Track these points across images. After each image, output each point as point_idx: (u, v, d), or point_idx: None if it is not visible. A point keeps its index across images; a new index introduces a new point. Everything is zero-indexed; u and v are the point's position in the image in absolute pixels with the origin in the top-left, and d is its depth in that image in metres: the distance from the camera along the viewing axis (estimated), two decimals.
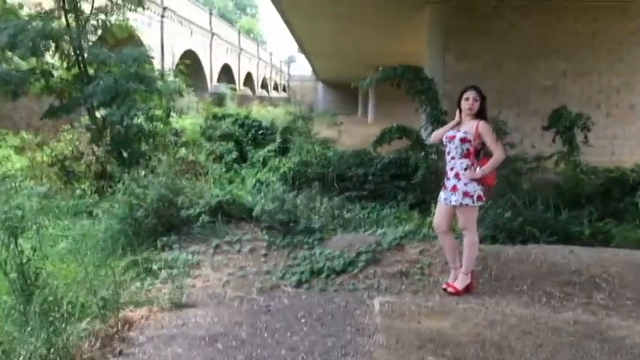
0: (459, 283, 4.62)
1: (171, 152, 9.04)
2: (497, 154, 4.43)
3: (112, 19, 9.35)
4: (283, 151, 13.85)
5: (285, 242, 5.86)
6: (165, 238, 5.84)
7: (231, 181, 12.70)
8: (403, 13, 17.27)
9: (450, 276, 4.74)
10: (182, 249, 5.72)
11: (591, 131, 10.18)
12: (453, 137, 4.53)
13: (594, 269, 4.99)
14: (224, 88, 32.54)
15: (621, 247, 6.26)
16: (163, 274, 5.08)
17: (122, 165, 8.26)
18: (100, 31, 9.05)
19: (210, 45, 33.20)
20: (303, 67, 60.82)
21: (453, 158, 4.57)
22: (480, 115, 4.51)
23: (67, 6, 8.72)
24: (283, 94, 59.58)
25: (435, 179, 11.18)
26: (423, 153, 12.02)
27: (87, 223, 6.36)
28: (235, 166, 13.41)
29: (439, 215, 4.69)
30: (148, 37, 22.84)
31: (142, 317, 4.09)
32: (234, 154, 13.66)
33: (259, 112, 33.24)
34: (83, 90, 8.22)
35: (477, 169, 4.47)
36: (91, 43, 8.85)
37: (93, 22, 8.95)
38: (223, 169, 13.39)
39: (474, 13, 15.37)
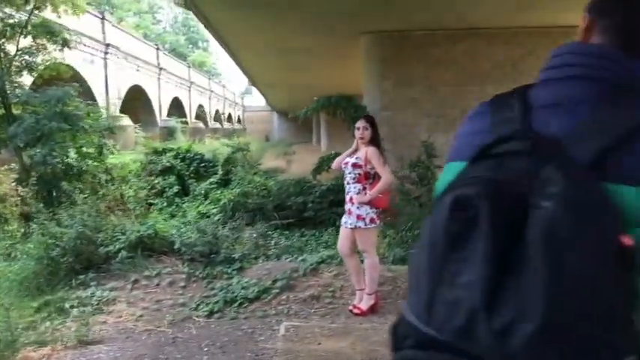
0: (364, 304, 4.78)
1: (100, 189, 9.02)
2: (385, 177, 4.63)
3: (39, 59, 9.34)
4: (225, 182, 13.90)
5: (204, 273, 5.93)
6: (82, 276, 5.84)
7: (172, 215, 12.69)
8: (340, 43, 17.67)
9: (356, 297, 4.89)
10: (99, 286, 5.72)
11: None
12: (347, 163, 4.74)
13: None
14: (174, 122, 32.42)
15: None
16: (75, 312, 5.08)
17: (50, 205, 8.21)
18: (25, 72, 9.03)
19: (159, 80, 33.17)
20: (258, 99, 61.16)
21: (348, 183, 4.77)
22: (373, 141, 4.73)
23: None
24: (238, 126, 59.72)
25: None
26: None
27: (2, 266, 6.30)
28: (177, 200, 13.40)
29: (341, 239, 4.87)
30: (90, 73, 22.74)
31: (44, 356, 4.10)
32: (176, 188, 13.66)
33: (211, 145, 33.36)
34: (7, 131, 8.20)
35: (367, 192, 4.67)
36: (17, 84, 8.83)
37: (17, 63, 8.92)
38: (165, 204, 13.37)
39: (408, 41, 15.88)
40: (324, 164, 12.63)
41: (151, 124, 32.01)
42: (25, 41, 9.21)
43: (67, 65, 20.83)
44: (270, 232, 10.26)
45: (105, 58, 24.49)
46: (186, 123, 35.22)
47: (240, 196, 12.22)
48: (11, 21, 9.02)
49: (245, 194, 12.34)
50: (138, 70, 29.36)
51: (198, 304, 5.20)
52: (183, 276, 5.91)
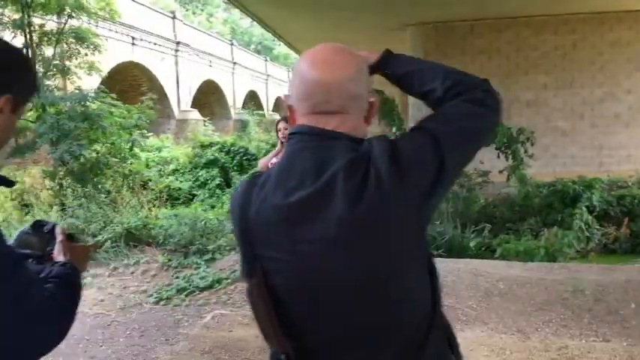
0: None
1: (124, 183, 9.74)
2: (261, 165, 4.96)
3: (74, 62, 10.19)
4: None
5: (176, 263, 6.39)
6: None
7: (212, 207, 13.37)
8: (388, 36, 17.67)
9: None
10: None
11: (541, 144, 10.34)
12: (274, 164, 4.98)
13: None
14: (247, 114, 33.47)
15: (504, 257, 6.52)
16: None
17: (78, 197, 8.99)
18: (59, 75, 9.90)
19: (232, 74, 34.37)
20: None
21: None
22: None
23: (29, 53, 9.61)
24: None
25: None
26: None
27: None
28: (218, 191, 14.08)
29: None
30: (161, 71, 23.99)
31: None
32: (218, 180, 14.35)
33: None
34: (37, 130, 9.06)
35: None
36: (53, 86, 9.68)
37: (52, 67, 9.79)
38: (206, 195, 14.08)
39: (452, 33, 15.69)
40: None
41: (225, 117, 33.30)
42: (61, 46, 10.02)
43: (137, 63, 22.24)
44: None
45: (176, 56, 25.71)
46: (262, 115, 36.24)
47: None
48: (47, 29, 9.86)
49: None
50: (210, 66, 30.56)
51: (155, 292, 5.64)
52: (157, 265, 6.40)
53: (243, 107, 36.58)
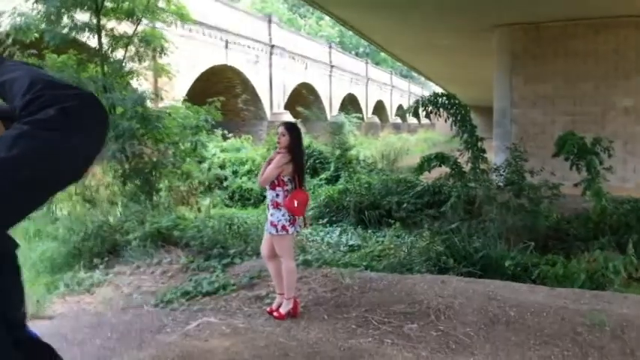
0: (283, 309, 4.81)
1: (182, 182, 9.94)
2: (259, 179, 4.84)
3: (143, 64, 10.58)
4: (336, 179, 14.24)
5: (195, 265, 6.37)
6: (97, 259, 6.63)
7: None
8: (475, 38, 16.88)
9: (275, 301, 4.94)
10: (106, 269, 6.46)
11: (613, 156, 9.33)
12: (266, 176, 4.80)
13: (439, 300, 4.87)
14: (342, 117, 33.47)
15: (542, 280, 5.92)
16: (62, 290, 5.84)
17: (137, 195, 9.30)
18: (129, 77, 10.32)
19: (330, 76, 34.52)
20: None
21: (266, 189, 4.84)
22: (290, 149, 4.73)
23: (101, 57, 10.09)
24: (426, 121, 59.33)
25: (467, 207, 10.95)
26: (459, 181, 11.70)
27: (44, 245, 7.35)
28: None
29: (263, 242, 4.95)
30: (254, 73, 24.53)
31: None
32: None
33: (384, 139, 33.85)
34: None
35: (280, 199, 4.69)
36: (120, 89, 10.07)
37: (123, 69, 10.22)
38: None
39: (543, 33, 14.69)
40: (424, 164, 12.27)
41: (320, 119, 33.47)
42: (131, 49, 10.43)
43: (230, 66, 22.85)
44: (345, 230, 10.45)
45: (270, 59, 26.20)
46: (360, 119, 36.11)
47: (338, 193, 12.44)
48: (117, 32, 10.29)
49: (344, 192, 12.51)
50: (306, 68, 30.86)
51: (162, 294, 5.64)
52: (178, 266, 6.41)
53: (341, 110, 36.58)
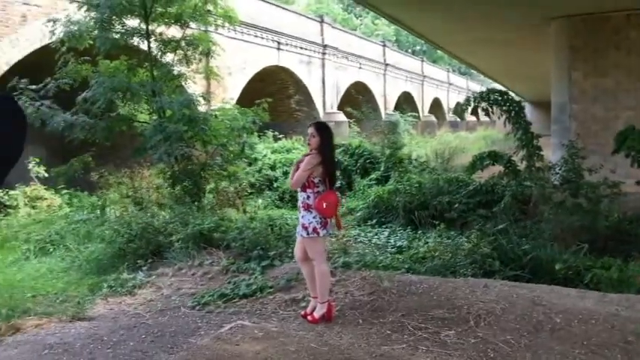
0: (317, 313, 4.71)
1: (230, 183, 10.01)
2: (290, 182, 4.80)
3: (193, 67, 10.71)
4: (386, 179, 14.03)
5: (236, 267, 6.35)
6: (141, 261, 6.72)
7: None
8: (530, 32, 16.28)
9: (310, 304, 4.84)
10: (149, 270, 6.54)
11: None
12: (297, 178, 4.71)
13: (480, 306, 4.66)
14: (397, 116, 33.14)
15: (595, 285, 5.59)
16: (104, 291, 5.94)
17: (184, 197, 9.41)
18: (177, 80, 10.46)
19: (384, 75, 34.22)
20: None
21: (297, 191, 4.76)
22: (320, 150, 4.62)
23: (150, 62, 10.27)
24: (486, 119, 58.09)
25: (522, 207, 10.57)
26: (513, 179, 11.31)
27: (92, 246, 7.51)
28: (339, 194, 13.91)
29: (296, 245, 4.86)
30: (306, 73, 24.58)
31: (35, 325, 4.97)
32: (339, 183, 14.22)
33: (441, 138, 33.33)
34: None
35: (312, 201, 4.59)
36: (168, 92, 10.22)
37: (173, 72, 10.38)
38: None
39: (603, 25, 14.00)
40: (477, 163, 11.92)
41: (374, 118, 33.22)
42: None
43: (283, 67, 22.97)
44: (396, 231, 10.27)
45: (322, 59, 26.18)
46: (416, 117, 35.66)
47: (388, 194, 12.23)
48: (166, 37, 10.45)
49: (394, 192, 12.30)
50: (360, 68, 30.68)
51: (199, 296, 5.64)
52: (218, 268, 6.41)
53: (396, 109, 36.22)
